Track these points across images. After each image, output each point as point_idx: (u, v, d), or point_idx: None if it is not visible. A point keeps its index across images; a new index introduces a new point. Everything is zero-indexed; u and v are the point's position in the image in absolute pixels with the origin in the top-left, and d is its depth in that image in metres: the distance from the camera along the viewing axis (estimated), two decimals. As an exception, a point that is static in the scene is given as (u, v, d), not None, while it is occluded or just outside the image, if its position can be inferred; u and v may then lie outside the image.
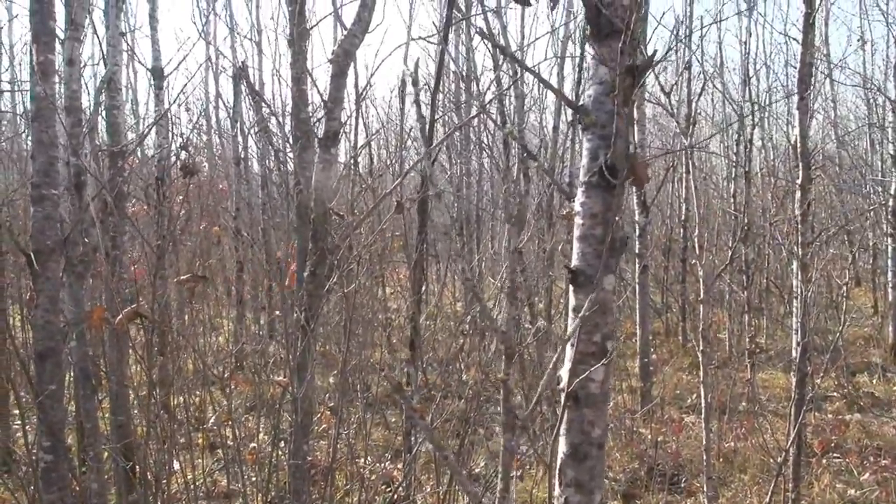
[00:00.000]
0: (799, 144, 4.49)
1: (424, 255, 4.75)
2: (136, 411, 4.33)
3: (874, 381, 8.93)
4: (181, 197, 8.18)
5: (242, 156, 11.65)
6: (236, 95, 11.39)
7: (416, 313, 4.33)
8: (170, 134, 9.00)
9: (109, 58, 5.25)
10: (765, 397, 8.57)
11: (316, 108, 5.97)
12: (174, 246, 8.02)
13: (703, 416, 4.03)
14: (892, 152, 9.72)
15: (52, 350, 2.88)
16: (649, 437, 7.07)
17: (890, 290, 10.46)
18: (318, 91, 4.91)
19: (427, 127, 4.25)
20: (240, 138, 11.48)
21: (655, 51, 1.50)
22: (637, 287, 7.75)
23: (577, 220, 1.61)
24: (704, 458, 4.02)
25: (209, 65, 13.55)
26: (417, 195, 4.15)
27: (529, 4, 1.46)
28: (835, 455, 5.97)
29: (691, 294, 10.82)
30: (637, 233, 7.61)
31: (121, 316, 2.71)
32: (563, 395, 1.58)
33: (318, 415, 5.57)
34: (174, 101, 11.76)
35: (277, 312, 6.40)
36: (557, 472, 1.61)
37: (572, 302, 1.62)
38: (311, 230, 4.20)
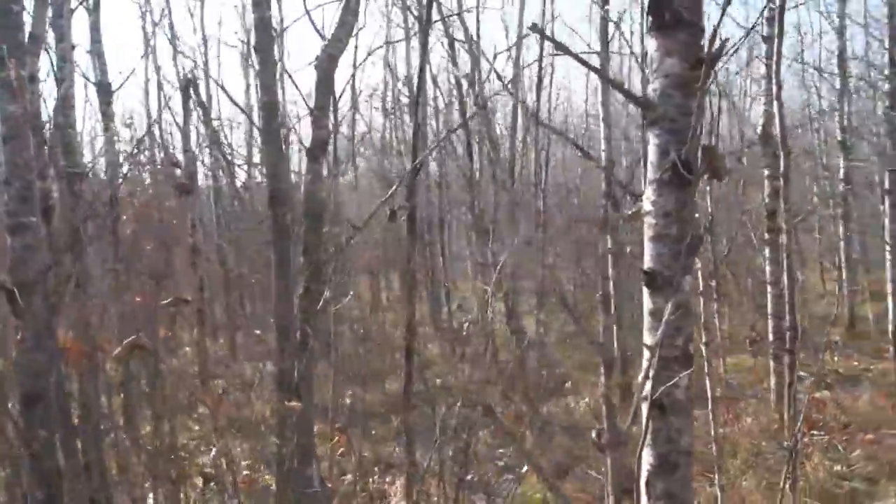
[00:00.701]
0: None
1: (414, 263, 4.63)
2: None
3: (836, 359, 9.20)
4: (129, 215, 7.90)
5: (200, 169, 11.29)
6: (185, 110, 11.03)
7: (411, 321, 4.21)
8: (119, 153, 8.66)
9: (66, 74, 4.98)
10: (735, 382, 8.73)
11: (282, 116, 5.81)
12: (128, 268, 7.70)
13: (709, 407, 4.03)
14: (839, 138, 10.03)
15: (40, 393, 2.66)
16: (634, 430, 7.12)
17: (845, 272, 10.77)
18: (301, 94, 4.74)
19: (412, 138, 4.15)
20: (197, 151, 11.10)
21: (725, 39, 1.43)
22: (611, 283, 7.79)
23: (649, 220, 1.53)
24: (714, 449, 4.03)
25: (156, 76, 13.15)
26: (406, 205, 4.03)
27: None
28: (815, 433, 6.10)
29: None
30: (609, 229, 7.66)
31: (119, 349, 2.52)
32: (645, 404, 1.51)
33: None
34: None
35: (258, 332, 6.17)
36: (644, 485, 1.53)
37: (648, 305, 1.54)
38: (300, 244, 4.05)
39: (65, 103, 5.17)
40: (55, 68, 5.30)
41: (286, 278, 4.58)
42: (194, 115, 11.22)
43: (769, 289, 6.57)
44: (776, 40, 4.57)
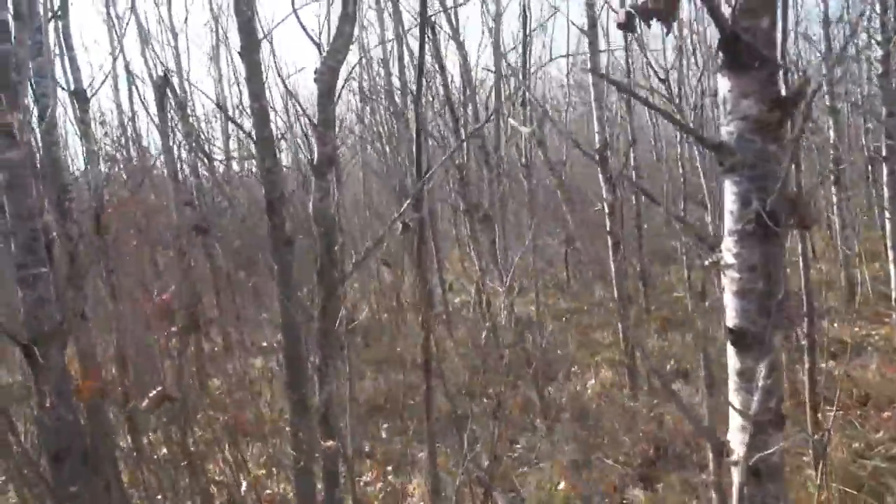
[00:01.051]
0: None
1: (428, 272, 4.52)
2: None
3: (836, 326, 9.21)
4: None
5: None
6: (161, 108, 10.74)
7: (428, 331, 4.11)
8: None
9: (47, 92, 4.77)
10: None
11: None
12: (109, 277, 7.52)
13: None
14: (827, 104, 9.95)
15: (68, 449, 2.55)
16: (644, 411, 7.10)
17: (838, 235, 10.77)
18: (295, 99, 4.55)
19: (415, 149, 4.01)
20: (179, 151, 10.86)
21: (807, 77, 1.33)
22: (612, 265, 7.71)
23: (732, 274, 1.44)
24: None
25: (125, 74, 12.82)
26: (414, 217, 3.91)
27: (634, 31, 1.30)
28: (829, 408, 6.09)
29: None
30: (607, 210, 7.57)
31: (147, 400, 2.41)
32: (734, 467, 1.43)
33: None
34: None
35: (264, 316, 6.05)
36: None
37: (735, 365, 1.46)
38: (311, 260, 3.93)
39: (49, 123, 4.95)
40: (33, 85, 5.08)
41: (288, 290, 4.46)
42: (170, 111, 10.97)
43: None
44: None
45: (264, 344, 11.64)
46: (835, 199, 10.42)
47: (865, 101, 10.78)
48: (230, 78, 17.71)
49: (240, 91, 14.98)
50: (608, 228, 7.57)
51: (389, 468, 6.50)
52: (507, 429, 6.28)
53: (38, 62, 5.05)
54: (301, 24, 4.04)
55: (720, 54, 1.42)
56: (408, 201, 3.45)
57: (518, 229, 14.72)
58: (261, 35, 4.34)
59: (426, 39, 4.85)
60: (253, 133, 4.35)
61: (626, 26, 1.42)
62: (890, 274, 8.31)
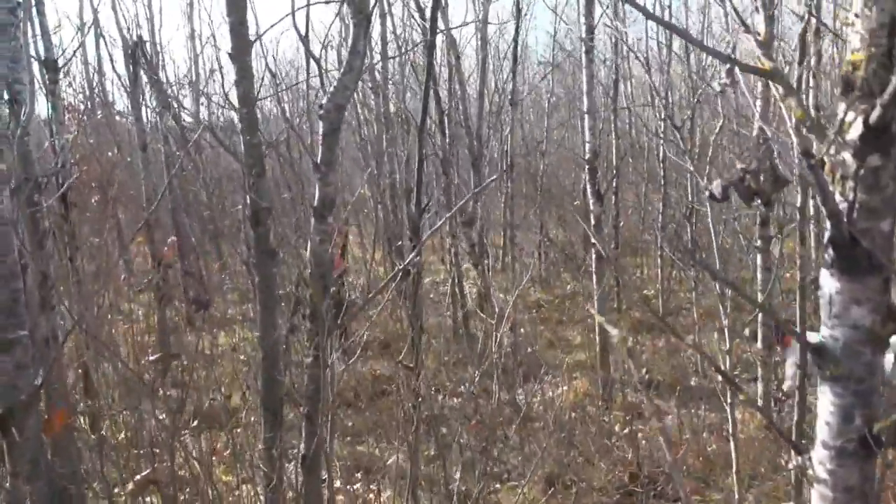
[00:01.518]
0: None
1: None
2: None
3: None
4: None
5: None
6: (134, 75, 10.23)
7: (416, 345, 3.96)
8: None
9: (21, 78, 4.38)
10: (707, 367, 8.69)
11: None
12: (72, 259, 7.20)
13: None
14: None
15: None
16: (616, 428, 7.10)
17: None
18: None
19: (415, 183, 3.81)
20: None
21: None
22: (594, 276, 7.65)
23: (822, 490, 1.32)
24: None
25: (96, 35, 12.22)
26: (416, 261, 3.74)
27: (727, 199, 1.17)
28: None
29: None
30: (593, 223, 7.48)
31: (131, 485, 2.22)
32: None
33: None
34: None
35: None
36: None
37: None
38: (304, 297, 3.74)
39: (24, 129, 4.58)
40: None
41: (272, 305, 4.29)
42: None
43: (759, 296, 6.51)
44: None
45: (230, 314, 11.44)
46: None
47: None
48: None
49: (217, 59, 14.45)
50: (593, 240, 7.50)
51: (358, 475, 6.40)
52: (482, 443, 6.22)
53: (12, 46, 4.67)
54: (300, 35, 3.78)
55: (829, 251, 1.27)
56: (410, 257, 3.25)
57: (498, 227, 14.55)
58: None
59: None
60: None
61: (722, 199, 1.26)
62: None
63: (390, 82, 10.97)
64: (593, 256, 7.58)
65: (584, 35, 7.18)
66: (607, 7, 8.32)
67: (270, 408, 3.97)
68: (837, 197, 1.24)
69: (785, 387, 6.94)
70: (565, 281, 13.89)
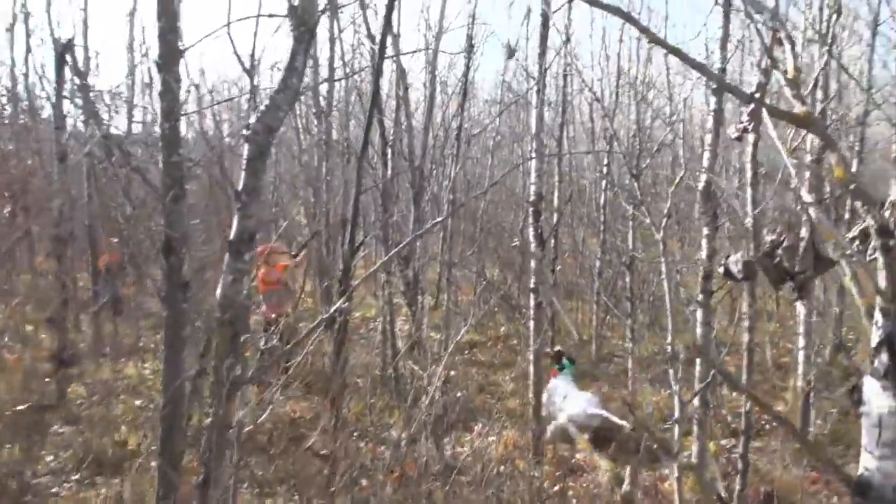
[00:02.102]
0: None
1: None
2: None
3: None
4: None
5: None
6: (59, 77, 9.53)
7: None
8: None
9: None
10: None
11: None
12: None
13: None
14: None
15: None
16: (546, 484, 6.75)
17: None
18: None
19: (350, 219, 3.43)
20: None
21: None
22: (532, 322, 7.35)
23: None
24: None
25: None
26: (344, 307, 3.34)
27: (749, 279, 0.92)
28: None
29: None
30: (533, 266, 7.21)
31: None
32: None
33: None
34: None
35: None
36: None
37: None
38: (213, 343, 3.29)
39: None
40: None
41: (178, 346, 3.81)
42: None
43: (701, 337, 6.32)
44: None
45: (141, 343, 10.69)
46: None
47: None
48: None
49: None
50: (532, 285, 7.23)
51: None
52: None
53: None
54: (234, 46, 3.36)
55: (883, 356, 0.96)
56: (341, 300, 2.85)
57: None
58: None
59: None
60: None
61: (743, 278, 0.95)
62: None
63: (335, 108, 10.61)
64: (532, 302, 7.29)
65: (536, 76, 6.99)
66: (560, 50, 8.23)
67: (168, 463, 3.48)
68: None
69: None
70: (499, 322, 13.63)
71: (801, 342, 8.10)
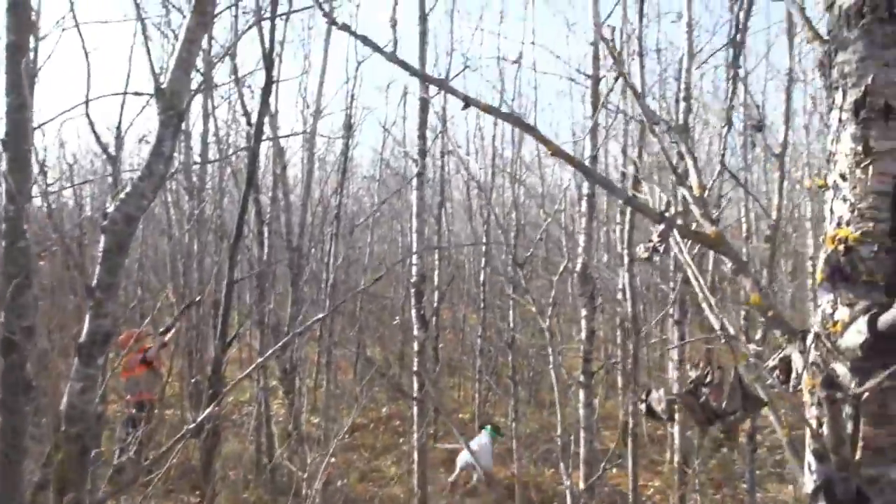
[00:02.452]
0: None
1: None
2: None
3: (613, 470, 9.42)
4: None
5: None
6: None
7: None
8: None
9: None
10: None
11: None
12: None
13: None
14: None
15: None
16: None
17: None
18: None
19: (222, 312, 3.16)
20: None
21: None
22: (415, 405, 7.14)
23: None
24: None
25: None
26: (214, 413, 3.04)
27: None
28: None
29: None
30: (416, 348, 7.06)
31: None
32: None
33: None
34: None
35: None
36: None
37: None
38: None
39: None
40: None
41: (17, 458, 3.33)
42: None
43: (582, 434, 6.36)
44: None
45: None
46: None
47: None
48: None
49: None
50: (415, 368, 7.06)
51: None
52: None
53: None
54: (93, 126, 3.09)
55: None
56: (206, 412, 2.56)
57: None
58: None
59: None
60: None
61: (668, 418, 0.84)
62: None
63: (207, 185, 10.20)
64: (415, 384, 7.11)
65: (417, 157, 7.04)
66: (438, 132, 8.38)
67: None
68: (824, 429, 0.87)
69: None
70: (381, 402, 13.28)
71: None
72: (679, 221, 1.03)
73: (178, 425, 8.06)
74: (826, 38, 1.12)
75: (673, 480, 8.33)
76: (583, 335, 6.15)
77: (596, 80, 6.25)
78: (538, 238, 6.61)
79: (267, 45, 3.67)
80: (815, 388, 0.89)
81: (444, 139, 10.13)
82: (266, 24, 3.78)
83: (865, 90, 1.02)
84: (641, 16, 5.34)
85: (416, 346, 7.03)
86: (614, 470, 9.44)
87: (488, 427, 9.46)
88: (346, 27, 1.27)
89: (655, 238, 1.13)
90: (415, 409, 7.10)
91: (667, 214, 1.09)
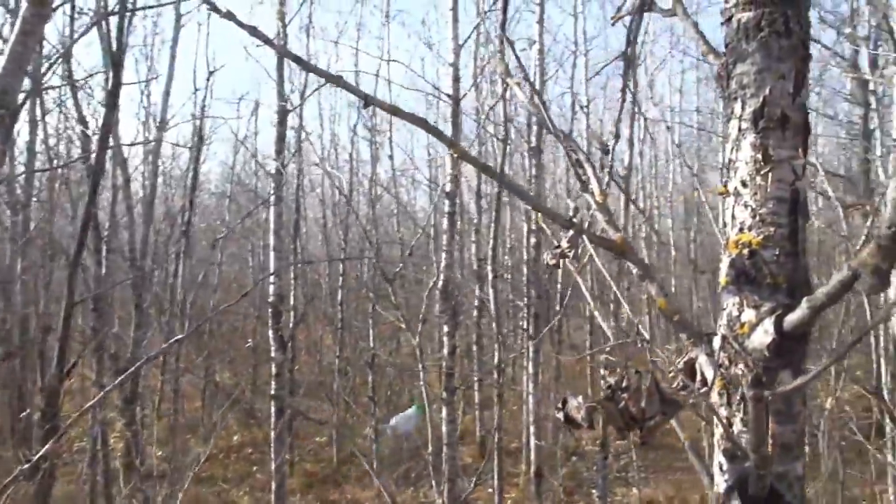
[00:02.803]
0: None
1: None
2: None
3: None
4: None
5: None
6: None
7: None
8: None
9: None
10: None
11: None
12: None
13: None
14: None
15: None
16: None
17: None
18: None
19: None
20: None
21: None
22: (272, 433, 6.84)
23: None
24: None
25: None
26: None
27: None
28: None
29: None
30: (274, 371, 6.78)
31: None
32: None
33: None
34: None
35: None
36: None
37: None
38: None
39: None
40: None
41: None
42: None
43: (445, 450, 6.35)
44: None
45: None
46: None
47: None
48: None
49: None
50: (273, 391, 6.77)
51: None
52: None
53: None
54: None
55: None
56: (48, 444, 2.27)
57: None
58: None
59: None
60: None
61: (589, 426, 0.82)
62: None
63: (35, 198, 9.28)
64: (273, 409, 6.81)
65: (273, 172, 6.80)
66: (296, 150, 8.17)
67: None
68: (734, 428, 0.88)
69: None
70: (232, 429, 12.63)
71: (532, 429, 8.60)
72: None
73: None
74: (720, 52, 1.18)
75: (529, 491, 8.56)
76: (445, 351, 6.17)
77: (456, 100, 6.35)
78: (407, 253, 6.58)
79: (115, 42, 3.36)
80: (724, 388, 0.92)
81: (299, 157, 9.91)
82: (113, 21, 3.47)
83: (763, 101, 1.08)
84: (503, 41, 5.46)
85: (273, 369, 6.75)
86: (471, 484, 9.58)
87: (416, 404, 9.95)
88: (230, 15, 1.16)
89: (564, 244, 1.13)
90: (272, 435, 6.80)
91: (575, 220, 1.09)
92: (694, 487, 9.73)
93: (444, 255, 6.24)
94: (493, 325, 3.82)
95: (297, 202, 11.14)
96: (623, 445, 10.15)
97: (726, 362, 0.97)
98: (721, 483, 0.95)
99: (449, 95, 6.37)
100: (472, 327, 11.13)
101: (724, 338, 0.97)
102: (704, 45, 1.25)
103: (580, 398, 1.03)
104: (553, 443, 9.95)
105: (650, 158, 15.90)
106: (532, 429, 8.72)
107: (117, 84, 3.15)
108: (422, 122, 1.11)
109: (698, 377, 1.01)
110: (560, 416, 1.06)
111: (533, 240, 8.13)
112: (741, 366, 0.93)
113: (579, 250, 1.15)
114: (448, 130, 6.37)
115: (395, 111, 1.06)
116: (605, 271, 1.29)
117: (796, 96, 1.07)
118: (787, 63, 1.08)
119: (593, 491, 9.04)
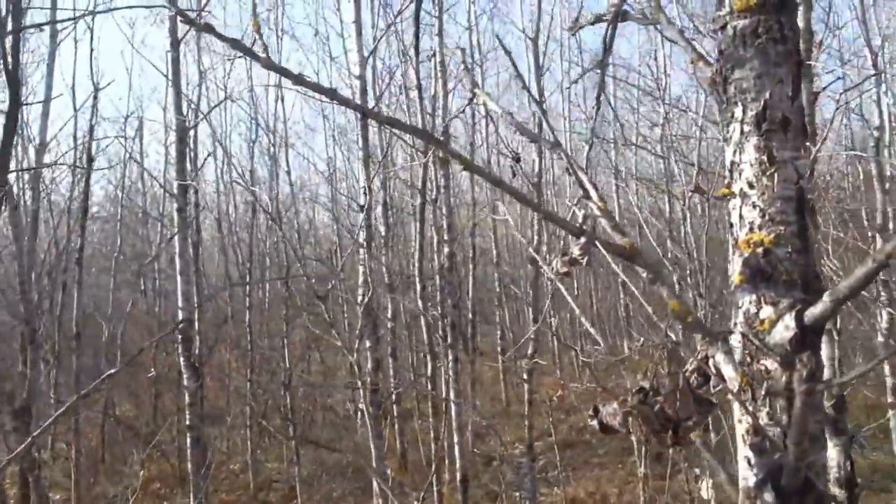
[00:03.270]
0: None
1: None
2: None
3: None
4: None
5: None
6: None
7: None
8: None
9: None
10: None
11: None
12: None
13: None
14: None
15: None
16: None
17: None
18: None
19: None
20: None
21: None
22: (190, 465, 6.52)
23: None
24: None
25: None
26: None
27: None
28: None
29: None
30: (188, 400, 6.47)
31: None
32: None
33: None
34: None
35: None
36: None
37: None
38: None
39: None
40: None
41: None
42: None
43: (374, 465, 6.23)
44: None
45: None
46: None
47: None
48: None
49: None
50: (188, 422, 6.45)
51: None
52: None
53: None
54: None
55: (768, 496, 0.91)
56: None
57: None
58: None
59: None
60: None
61: (626, 431, 0.82)
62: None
63: None
64: (188, 440, 6.50)
65: (176, 192, 6.49)
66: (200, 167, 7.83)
67: None
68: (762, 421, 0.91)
69: None
70: (134, 463, 11.94)
71: (455, 437, 8.61)
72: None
73: None
74: (710, 59, 1.23)
75: (455, 499, 8.54)
76: (369, 366, 6.09)
77: (364, 112, 6.30)
78: (339, 269, 6.44)
79: (10, 61, 3.08)
80: (747, 385, 0.94)
81: (199, 175, 9.54)
82: (8, 40, 3.19)
83: (765, 104, 1.12)
84: (418, 52, 5.50)
85: (187, 399, 6.43)
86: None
87: None
88: (209, 27, 1.09)
89: (576, 251, 1.13)
90: (189, 465, 6.48)
91: (585, 228, 1.10)
92: (611, 482, 10.04)
93: (361, 269, 6.16)
94: (424, 335, 3.78)
95: (196, 223, 10.71)
96: (541, 446, 10.33)
97: (747, 359, 1.00)
98: (750, 477, 0.97)
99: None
100: (384, 340, 11.03)
101: (743, 335, 1.00)
102: (694, 52, 1.30)
103: (614, 404, 1.03)
104: (474, 449, 10.02)
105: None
106: (455, 436, 8.73)
107: (16, 105, 2.87)
108: (424, 135, 1.07)
109: (713, 376, 1.03)
110: (594, 423, 1.06)
111: (446, 249, 8.17)
112: (767, 361, 0.96)
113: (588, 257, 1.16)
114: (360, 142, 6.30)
115: (392, 122, 1.03)
116: (624, 276, 1.31)
117: (794, 99, 1.13)
118: (783, 68, 1.14)
119: (516, 494, 9.15)
